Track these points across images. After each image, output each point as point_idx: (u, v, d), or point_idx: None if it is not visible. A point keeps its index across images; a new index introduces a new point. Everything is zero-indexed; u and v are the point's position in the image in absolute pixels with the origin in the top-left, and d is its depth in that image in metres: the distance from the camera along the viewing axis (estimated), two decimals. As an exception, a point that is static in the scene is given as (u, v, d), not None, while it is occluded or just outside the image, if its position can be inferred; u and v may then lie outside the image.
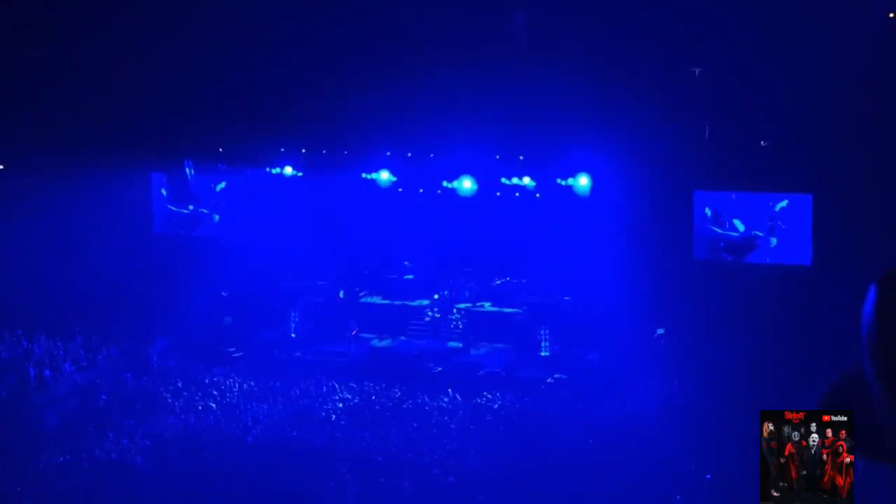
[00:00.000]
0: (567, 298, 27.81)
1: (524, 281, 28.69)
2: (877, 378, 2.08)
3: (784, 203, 24.31)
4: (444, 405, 23.70)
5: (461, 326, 27.98)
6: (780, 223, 24.43)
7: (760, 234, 24.69)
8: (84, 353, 25.91)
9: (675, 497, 18.95)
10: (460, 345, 27.45)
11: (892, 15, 23.33)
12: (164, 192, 29.29)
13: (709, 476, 19.26)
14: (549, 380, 24.99)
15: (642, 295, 24.76)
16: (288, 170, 28.42)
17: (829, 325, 18.93)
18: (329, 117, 26.69)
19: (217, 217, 29.27)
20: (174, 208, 29.30)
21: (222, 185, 29.17)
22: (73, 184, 27.31)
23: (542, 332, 26.65)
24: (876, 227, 21.97)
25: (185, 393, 24.65)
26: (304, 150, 28.24)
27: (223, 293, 28.84)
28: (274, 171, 28.56)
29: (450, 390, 24.27)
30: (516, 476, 19.97)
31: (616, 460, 20.20)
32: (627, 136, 24.35)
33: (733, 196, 24.85)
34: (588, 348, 26.05)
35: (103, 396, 24.47)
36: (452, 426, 22.69)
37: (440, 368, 25.94)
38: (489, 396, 23.95)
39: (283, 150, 28.26)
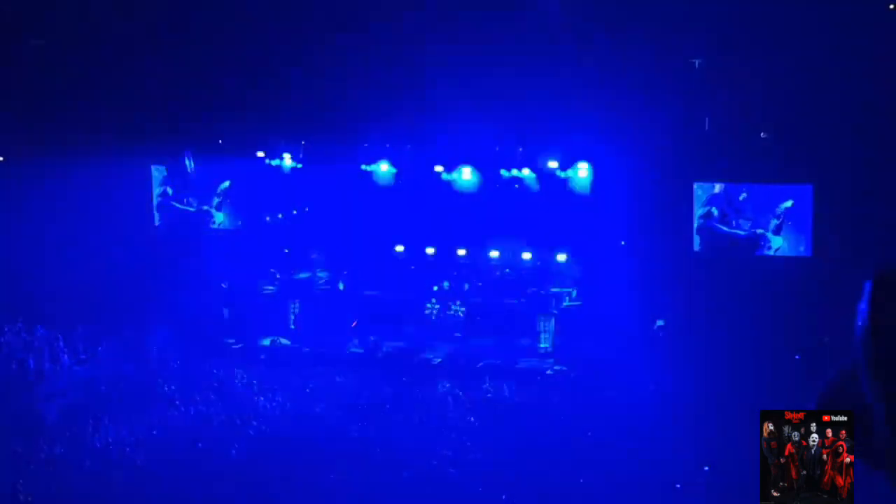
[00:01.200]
0: (566, 290, 27.81)
1: (523, 272, 28.67)
2: (870, 377, 2.05)
3: (789, 203, 24.33)
4: (444, 397, 23.71)
5: (461, 318, 27.97)
6: (787, 223, 24.48)
7: (765, 232, 24.71)
8: (83, 345, 25.91)
9: (675, 486, 19.00)
10: (460, 336, 27.45)
11: (892, 7, 23.26)
12: (169, 190, 29.28)
13: (707, 468, 19.29)
14: (548, 371, 25.02)
15: (641, 286, 24.77)
16: (287, 161, 28.40)
17: (829, 316, 18.91)
18: (328, 108, 26.64)
19: (222, 217, 29.30)
20: (179, 206, 29.33)
21: (226, 184, 29.18)
22: (72, 174, 27.27)
23: (541, 323, 26.65)
24: (877, 218, 21.95)
25: (184, 384, 24.65)
26: (303, 142, 28.21)
27: (223, 284, 28.86)
28: (273, 162, 28.54)
29: (448, 382, 24.28)
30: (517, 467, 19.99)
31: (616, 450, 20.23)
32: (627, 127, 24.33)
33: (741, 195, 24.85)
34: (587, 340, 26.04)
35: (102, 388, 24.47)
36: (452, 418, 22.70)
37: (439, 360, 25.95)
38: (489, 388, 23.97)
39: (282, 141, 28.22)
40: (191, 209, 29.22)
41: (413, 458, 20.70)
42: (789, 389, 19.42)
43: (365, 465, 20.37)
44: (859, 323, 2.05)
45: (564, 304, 27.67)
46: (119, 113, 27.11)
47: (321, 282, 29.42)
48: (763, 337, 22.86)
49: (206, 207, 29.32)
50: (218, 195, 29.21)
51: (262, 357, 26.80)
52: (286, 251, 29.62)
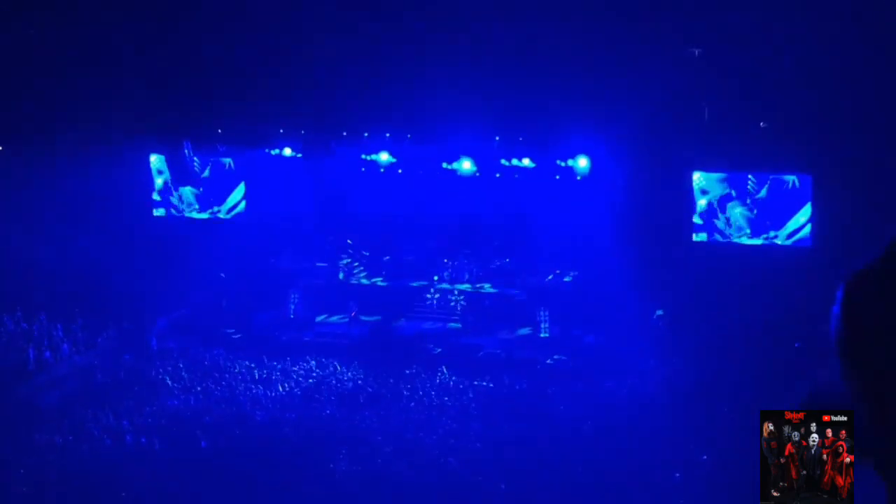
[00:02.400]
0: (567, 280, 27.84)
1: (524, 263, 28.70)
2: (845, 378, 2.08)
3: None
4: (444, 386, 23.74)
5: (461, 308, 28.01)
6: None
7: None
8: (83, 335, 25.94)
9: (675, 475, 19.05)
10: (460, 326, 27.49)
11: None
12: (166, 184, 29.34)
13: (705, 457, 19.34)
14: (548, 361, 25.05)
15: (641, 276, 24.78)
16: (287, 151, 28.36)
17: (828, 306, 18.91)
18: (329, 98, 26.57)
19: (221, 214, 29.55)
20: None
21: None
22: (73, 165, 27.26)
23: (541, 313, 26.68)
24: (876, 208, 21.92)
25: (184, 374, 24.69)
26: (303, 132, 28.14)
27: (222, 274, 28.86)
28: (273, 152, 28.50)
29: (448, 371, 24.31)
30: (516, 457, 20.03)
31: (615, 440, 20.28)
32: (627, 118, 24.26)
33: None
34: (587, 329, 26.08)
35: (102, 378, 24.51)
36: (452, 407, 22.74)
37: (440, 349, 25.99)
38: (489, 378, 24.00)
39: (282, 130, 28.18)
40: (186, 213, 29.51)
41: (412, 448, 20.75)
42: (787, 379, 19.47)
43: (364, 454, 20.40)
44: (833, 327, 2.08)
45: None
46: (119, 102, 27.03)
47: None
48: (762, 325, 22.89)
49: (203, 214, 29.53)
50: (218, 203, 29.46)
51: (262, 347, 26.78)
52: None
